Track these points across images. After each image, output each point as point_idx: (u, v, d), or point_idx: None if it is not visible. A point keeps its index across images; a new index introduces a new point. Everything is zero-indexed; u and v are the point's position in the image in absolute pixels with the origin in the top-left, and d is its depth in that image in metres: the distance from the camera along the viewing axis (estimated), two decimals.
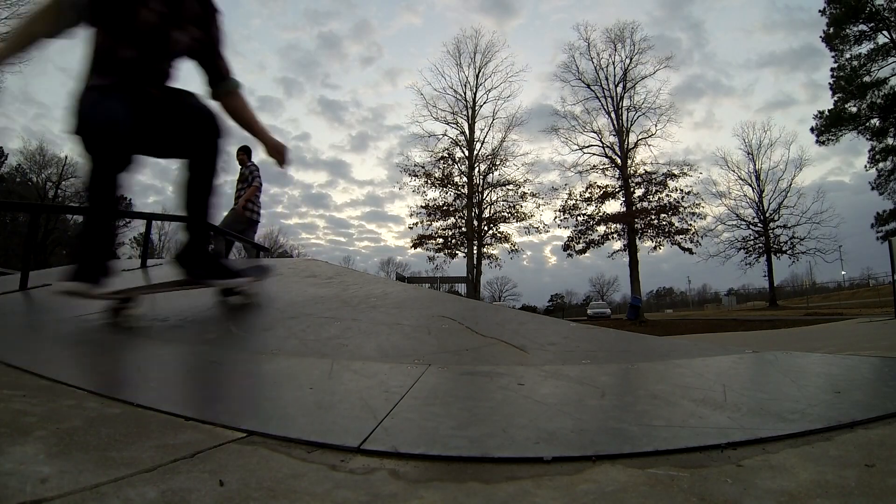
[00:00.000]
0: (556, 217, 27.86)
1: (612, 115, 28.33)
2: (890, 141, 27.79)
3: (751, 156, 33.30)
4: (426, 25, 78.69)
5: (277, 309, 2.79)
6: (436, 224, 27.54)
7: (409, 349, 2.05)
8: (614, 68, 28.53)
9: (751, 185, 33.05)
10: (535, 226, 27.72)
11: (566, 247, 28.02)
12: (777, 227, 31.84)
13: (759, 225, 32.24)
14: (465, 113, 28.72)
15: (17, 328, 2.89)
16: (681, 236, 26.04)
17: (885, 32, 26.16)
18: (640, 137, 27.74)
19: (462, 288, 29.37)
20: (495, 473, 0.95)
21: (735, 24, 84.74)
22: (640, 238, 26.53)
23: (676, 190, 26.22)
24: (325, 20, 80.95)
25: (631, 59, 28.19)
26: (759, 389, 1.58)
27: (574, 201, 27.57)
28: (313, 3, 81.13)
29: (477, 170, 28.08)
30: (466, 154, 28.25)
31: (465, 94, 28.85)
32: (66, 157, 35.37)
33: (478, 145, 28.43)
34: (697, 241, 26.46)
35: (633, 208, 26.70)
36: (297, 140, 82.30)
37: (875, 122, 27.78)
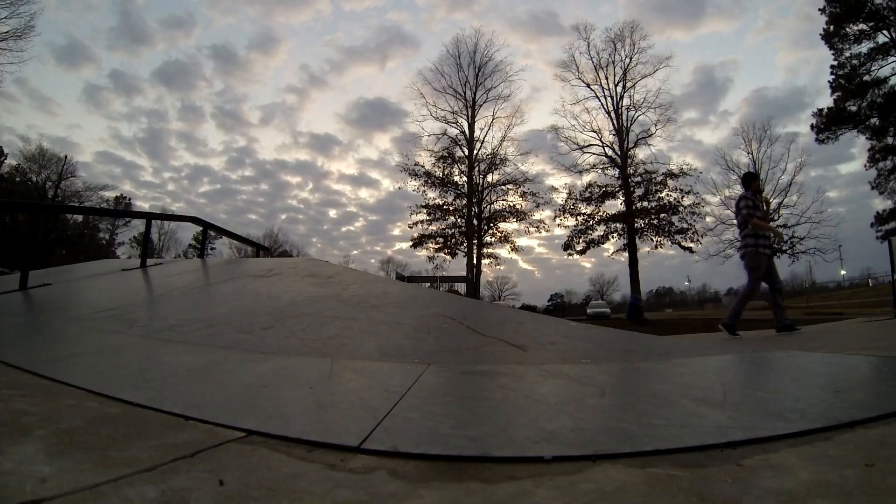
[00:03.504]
0: (555, 217, 27.84)
1: (612, 114, 28.28)
2: (890, 140, 27.73)
3: (751, 155, 33.30)
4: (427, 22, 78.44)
5: (277, 309, 2.79)
6: (436, 224, 27.56)
7: (409, 348, 2.05)
8: (614, 68, 28.44)
9: None
10: (535, 225, 27.73)
11: (566, 246, 27.96)
12: (777, 226, 31.84)
13: None
14: (465, 112, 28.69)
15: (17, 328, 2.90)
16: (681, 235, 26.01)
17: (884, 31, 26.11)
18: (639, 137, 27.70)
19: (462, 288, 29.30)
20: (495, 473, 0.95)
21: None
22: (640, 238, 26.51)
23: (676, 189, 26.22)
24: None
25: (631, 59, 28.10)
26: (759, 389, 1.58)
27: (574, 201, 27.55)
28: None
29: (477, 169, 28.05)
30: (466, 154, 28.23)
31: (465, 93, 28.81)
32: (66, 157, 35.22)
33: (478, 145, 28.40)
34: (698, 240, 26.42)
35: (633, 208, 26.67)
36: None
37: (875, 120, 27.70)
